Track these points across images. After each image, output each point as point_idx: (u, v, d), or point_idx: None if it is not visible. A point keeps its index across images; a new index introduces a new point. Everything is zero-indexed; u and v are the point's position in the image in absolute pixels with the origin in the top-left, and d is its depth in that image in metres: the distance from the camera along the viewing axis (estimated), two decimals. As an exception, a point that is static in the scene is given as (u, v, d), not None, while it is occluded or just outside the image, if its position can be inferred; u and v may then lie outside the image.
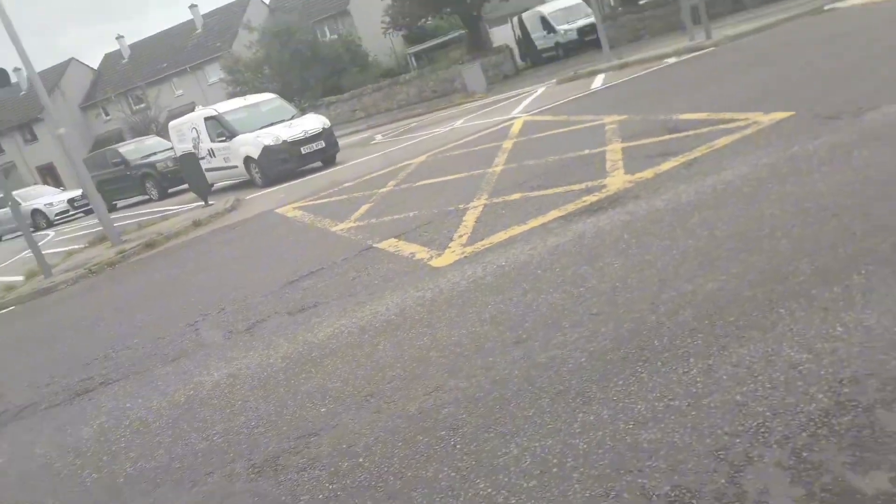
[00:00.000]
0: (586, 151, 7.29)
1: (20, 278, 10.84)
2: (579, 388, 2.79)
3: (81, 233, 15.95)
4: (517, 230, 5.25)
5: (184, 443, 3.49)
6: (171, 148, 17.72)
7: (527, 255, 4.61)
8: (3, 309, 9.26)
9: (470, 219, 6.05)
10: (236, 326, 5.10)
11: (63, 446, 3.97)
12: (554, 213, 5.37)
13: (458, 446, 2.65)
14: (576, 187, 5.94)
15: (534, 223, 5.29)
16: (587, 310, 3.49)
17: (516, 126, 11.02)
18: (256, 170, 14.35)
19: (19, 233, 12.32)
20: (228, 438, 3.38)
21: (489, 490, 2.34)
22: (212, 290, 6.64)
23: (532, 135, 9.73)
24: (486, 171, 7.95)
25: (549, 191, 6.15)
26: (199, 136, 15.56)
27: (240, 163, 14.71)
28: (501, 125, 11.79)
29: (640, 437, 2.38)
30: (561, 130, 9.31)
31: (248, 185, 14.91)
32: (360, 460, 2.79)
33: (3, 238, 24.24)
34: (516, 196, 6.38)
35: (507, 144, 9.46)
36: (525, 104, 14.28)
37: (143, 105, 44.14)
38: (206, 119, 15.38)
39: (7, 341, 7.67)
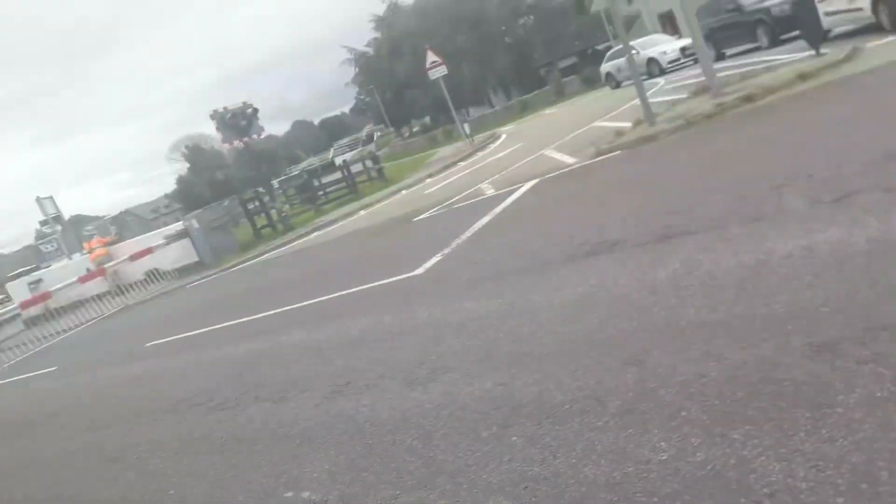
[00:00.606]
0: None
1: (629, 125, 12.15)
2: None
3: (687, 82, 16.63)
4: None
5: (744, 304, 3.55)
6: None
7: None
8: (612, 153, 10.63)
9: None
10: (822, 196, 4.71)
11: (641, 282, 4.51)
12: None
13: None
14: None
15: None
16: None
17: None
18: (885, 10, 12.13)
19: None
20: (791, 311, 3.29)
21: None
22: (803, 153, 6.21)
23: None
24: None
25: None
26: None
27: (866, 3, 12.65)
28: None
29: None
30: None
31: (872, 29, 12.82)
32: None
33: (622, 84, 27.12)
34: None
35: None
36: None
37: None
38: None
39: (612, 182, 8.86)
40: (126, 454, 5.67)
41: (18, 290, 24.46)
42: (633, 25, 42.70)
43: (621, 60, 25.40)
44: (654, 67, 24.98)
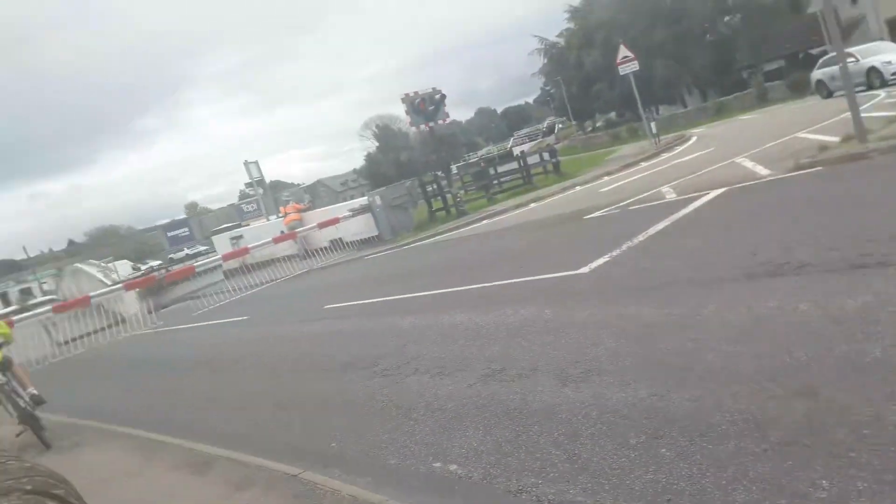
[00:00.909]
0: None
1: (835, 139, 11.11)
2: None
3: (913, 96, 14.83)
4: None
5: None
6: None
7: None
8: (812, 168, 9.78)
9: None
10: None
11: (825, 310, 4.20)
12: None
13: None
14: None
15: None
16: None
17: None
18: None
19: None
20: None
21: None
22: None
23: None
24: None
25: None
26: None
27: None
28: None
29: None
30: None
31: None
32: None
33: (834, 95, 24.64)
34: None
35: None
36: None
37: None
38: None
39: (808, 199, 8.19)
40: (296, 404, 6.29)
41: (221, 244, 27.49)
42: (855, 30, 38.54)
43: (836, 68, 23.06)
44: (874, 78, 22.44)
